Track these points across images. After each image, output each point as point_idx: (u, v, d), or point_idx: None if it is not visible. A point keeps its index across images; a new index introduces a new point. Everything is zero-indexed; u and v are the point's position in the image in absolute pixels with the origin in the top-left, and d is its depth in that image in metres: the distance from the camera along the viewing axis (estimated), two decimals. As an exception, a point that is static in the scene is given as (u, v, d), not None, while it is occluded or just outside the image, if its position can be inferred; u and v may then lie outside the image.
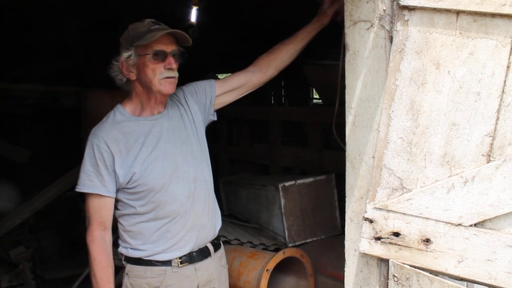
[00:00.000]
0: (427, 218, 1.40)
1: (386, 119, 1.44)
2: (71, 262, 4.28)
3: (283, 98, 8.34)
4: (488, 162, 1.34)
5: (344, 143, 1.64)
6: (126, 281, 1.92)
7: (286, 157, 4.33)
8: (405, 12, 1.39)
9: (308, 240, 3.03)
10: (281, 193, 2.98)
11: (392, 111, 1.43)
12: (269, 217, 3.15)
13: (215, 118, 2.13)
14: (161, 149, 1.88)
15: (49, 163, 5.11)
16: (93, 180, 1.82)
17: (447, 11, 1.35)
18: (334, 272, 2.66)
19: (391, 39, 1.48)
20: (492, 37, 1.32)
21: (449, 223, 1.37)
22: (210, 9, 4.47)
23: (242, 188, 3.49)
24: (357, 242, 1.56)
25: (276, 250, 2.87)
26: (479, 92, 1.34)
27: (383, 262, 1.53)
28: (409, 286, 1.44)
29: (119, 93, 2.04)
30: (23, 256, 3.84)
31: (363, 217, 1.48)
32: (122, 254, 1.95)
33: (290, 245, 2.93)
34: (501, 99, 1.32)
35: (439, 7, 1.35)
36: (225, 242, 2.16)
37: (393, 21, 1.47)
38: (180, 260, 1.90)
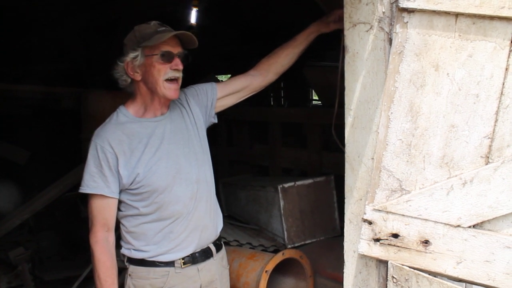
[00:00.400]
0: (426, 220, 1.40)
1: (385, 121, 1.45)
2: (71, 263, 4.26)
3: (282, 99, 8.34)
4: (486, 164, 1.35)
5: (343, 145, 1.64)
6: (129, 282, 1.92)
7: (286, 158, 4.33)
8: (404, 14, 1.40)
9: (307, 242, 3.04)
10: (280, 195, 2.99)
11: (391, 113, 1.44)
12: (269, 219, 3.15)
13: (216, 121, 2.14)
14: (164, 150, 1.88)
15: (49, 164, 5.11)
16: (97, 181, 1.82)
17: (446, 13, 1.35)
18: (333, 274, 2.67)
19: (390, 41, 1.48)
20: (490, 39, 1.32)
21: (448, 224, 1.38)
22: (210, 10, 4.48)
23: (242, 190, 3.49)
24: (356, 243, 1.56)
25: (275, 251, 2.87)
26: (478, 94, 1.35)
27: (382, 263, 1.53)
28: (408, 287, 1.44)
29: (119, 94, 2.04)
30: (22, 257, 3.83)
31: (362, 218, 1.49)
32: (124, 255, 1.95)
33: (289, 246, 2.94)
34: (499, 101, 1.33)
35: (438, 9, 1.35)
36: (224, 243, 2.17)
37: (393, 23, 1.47)
38: (183, 260, 1.90)
